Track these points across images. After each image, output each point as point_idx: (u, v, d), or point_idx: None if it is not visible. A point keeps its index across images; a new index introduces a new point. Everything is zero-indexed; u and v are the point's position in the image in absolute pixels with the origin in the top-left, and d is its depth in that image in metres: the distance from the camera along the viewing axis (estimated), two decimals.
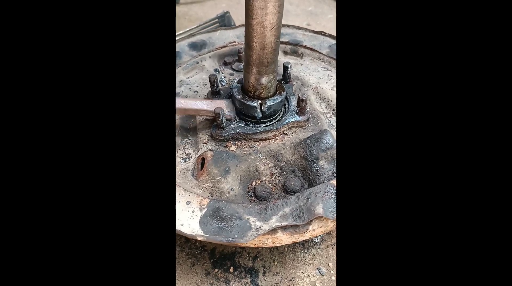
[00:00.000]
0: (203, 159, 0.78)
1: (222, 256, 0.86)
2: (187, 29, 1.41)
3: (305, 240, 0.91)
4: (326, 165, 0.79)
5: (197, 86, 1.01)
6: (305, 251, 0.88)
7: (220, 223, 0.65)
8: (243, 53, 0.84)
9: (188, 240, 0.89)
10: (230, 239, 0.62)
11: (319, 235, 0.71)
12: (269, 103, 0.82)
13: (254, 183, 0.79)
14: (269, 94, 0.83)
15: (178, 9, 2.03)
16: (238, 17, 1.87)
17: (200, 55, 1.09)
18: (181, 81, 1.03)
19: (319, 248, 0.90)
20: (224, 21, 1.46)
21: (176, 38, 1.40)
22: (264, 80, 0.78)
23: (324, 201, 0.66)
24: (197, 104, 0.83)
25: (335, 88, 0.97)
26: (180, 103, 0.81)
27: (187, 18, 1.98)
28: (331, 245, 0.92)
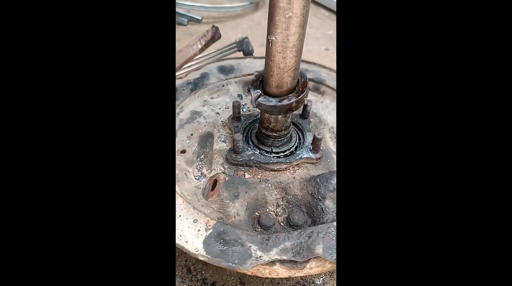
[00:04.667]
0: (215, 181, 0.82)
1: None
2: (207, 53, 1.47)
3: (306, 282, 0.92)
4: (332, 206, 0.81)
5: (220, 108, 1.06)
6: None
7: (223, 247, 0.68)
8: None
9: (190, 272, 0.90)
10: (231, 264, 0.65)
11: (316, 273, 0.73)
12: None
13: (259, 212, 0.82)
14: (283, 128, 0.86)
15: (200, 28, 2.04)
16: (258, 38, 1.87)
17: (227, 79, 1.15)
18: (205, 101, 1.09)
19: None
20: (242, 46, 1.51)
21: (198, 62, 1.46)
22: (277, 115, 0.81)
23: (325, 242, 0.69)
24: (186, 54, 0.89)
25: None
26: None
27: None
28: None
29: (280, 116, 0.83)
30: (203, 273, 0.90)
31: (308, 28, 2.30)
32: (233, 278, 0.90)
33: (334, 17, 2.31)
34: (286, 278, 0.92)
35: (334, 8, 2.36)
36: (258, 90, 0.79)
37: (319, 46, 2.00)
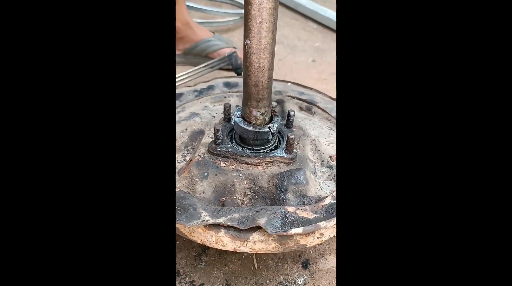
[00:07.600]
0: (190, 161, 0.91)
1: None
2: (197, 67, 1.62)
3: (288, 282, 0.92)
4: (293, 198, 0.85)
5: (216, 113, 1.18)
6: None
7: (177, 208, 0.75)
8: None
9: (179, 274, 0.95)
10: (177, 219, 0.71)
11: (262, 252, 0.75)
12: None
13: (226, 197, 0.88)
14: (263, 124, 0.96)
15: None
16: None
17: (229, 92, 1.29)
18: (206, 106, 1.22)
19: None
20: (231, 60, 1.68)
21: (189, 76, 1.61)
22: (256, 113, 0.92)
23: (270, 217, 0.73)
24: None
25: (331, 145, 1.07)
26: None
27: None
28: None
29: (258, 114, 0.93)
30: (192, 276, 0.95)
31: (296, 41, 2.40)
32: (219, 280, 0.93)
33: (322, 29, 2.42)
34: (270, 279, 0.94)
35: (322, 21, 2.51)
36: (240, 114, 0.99)
37: (306, 58, 2.08)
